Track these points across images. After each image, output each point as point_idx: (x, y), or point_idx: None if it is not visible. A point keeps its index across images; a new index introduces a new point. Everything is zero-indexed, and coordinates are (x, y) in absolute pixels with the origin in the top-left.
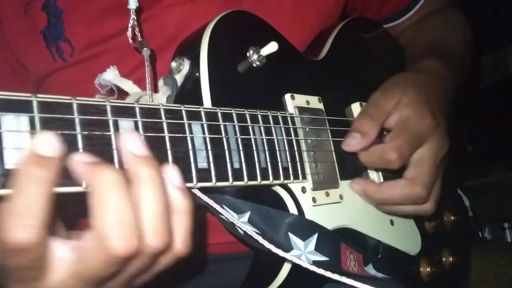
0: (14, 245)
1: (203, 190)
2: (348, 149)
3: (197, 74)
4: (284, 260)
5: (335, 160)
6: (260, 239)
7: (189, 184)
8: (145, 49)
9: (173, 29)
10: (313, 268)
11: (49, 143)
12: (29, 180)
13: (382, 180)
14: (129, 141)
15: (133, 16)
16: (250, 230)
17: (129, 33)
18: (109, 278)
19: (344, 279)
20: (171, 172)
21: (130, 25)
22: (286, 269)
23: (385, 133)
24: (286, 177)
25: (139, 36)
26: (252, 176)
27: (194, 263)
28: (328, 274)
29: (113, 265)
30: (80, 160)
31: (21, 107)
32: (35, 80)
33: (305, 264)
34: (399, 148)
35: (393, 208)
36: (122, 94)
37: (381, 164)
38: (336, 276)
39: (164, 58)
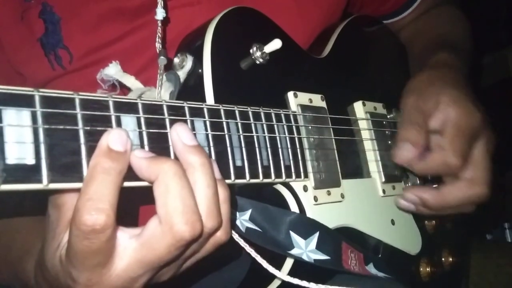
0: (88, 226)
1: None
2: (401, 161)
3: (200, 70)
4: (284, 259)
5: (337, 158)
6: (253, 253)
7: None
8: (161, 57)
9: (174, 33)
10: (304, 283)
11: (119, 139)
12: (102, 170)
13: (384, 179)
14: (181, 132)
15: (159, 27)
16: (238, 238)
17: (158, 45)
18: (171, 262)
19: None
20: (213, 164)
21: (158, 35)
22: (286, 269)
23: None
24: (288, 175)
25: (161, 45)
26: (254, 174)
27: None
28: (320, 287)
29: (178, 249)
30: (141, 156)
31: (23, 101)
32: (33, 88)
33: (295, 281)
34: (460, 151)
35: (449, 211)
36: (124, 89)
37: (441, 171)
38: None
39: None
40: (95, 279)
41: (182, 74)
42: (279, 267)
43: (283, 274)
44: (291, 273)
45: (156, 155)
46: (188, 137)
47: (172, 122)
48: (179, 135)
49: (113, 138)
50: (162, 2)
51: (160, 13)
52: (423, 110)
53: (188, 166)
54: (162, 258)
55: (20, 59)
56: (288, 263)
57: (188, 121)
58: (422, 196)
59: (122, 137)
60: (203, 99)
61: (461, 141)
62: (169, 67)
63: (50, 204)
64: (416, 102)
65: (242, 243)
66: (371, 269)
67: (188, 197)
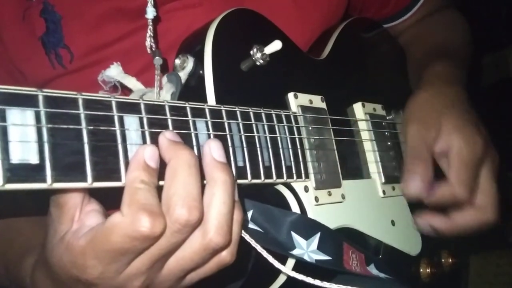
0: (143, 233)
1: None
2: (411, 195)
3: (201, 71)
4: (286, 259)
5: (337, 159)
6: (258, 247)
7: None
8: (157, 58)
9: (175, 35)
10: (309, 280)
11: (154, 157)
12: (140, 180)
13: (383, 180)
14: (214, 147)
15: (150, 26)
16: (250, 238)
17: (147, 43)
18: (172, 252)
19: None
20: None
21: (148, 35)
22: (288, 268)
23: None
24: (289, 176)
25: (154, 46)
26: (255, 175)
27: None
28: (325, 284)
29: (173, 235)
30: (168, 137)
31: (27, 101)
32: (33, 87)
33: (300, 277)
34: (466, 183)
35: (459, 234)
36: (126, 90)
37: (450, 203)
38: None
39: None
40: (109, 274)
41: (183, 75)
42: (278, 270)
43: (287, 269)
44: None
45: (181, 142)
46: (218, 153)
47: (174, 123)
48: (211, 149)
49: (148, 155)
50: (153, 1)
51: (150, 12)
52: (426, 140)
53: (211, 179)
54: (161, 245)
55: (21, 58)
56: (290, 263)
57: (190, 122)
58: (434, 225)
59: (155, 155)
60: (204, 100)
61: (466, 173)
62: (165, 67)
63: (52, 203)
64: (419, 132)
65: (247, 238)
66: (372, 269)
67: (192, 186)
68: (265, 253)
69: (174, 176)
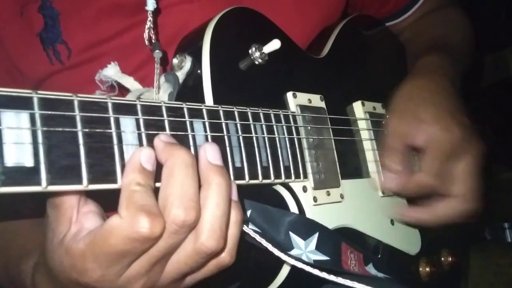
0: (142, 234)
1: None
2: (389, 192)
3: (199, 71)
4: (282, 262)
5: (336, 159)
6: (257, 237)
7: None
8: (156, 51)
9: (171, 31)
10: (308, 268)
11: (150, 159)
12: (136, 183)
13: (383, 179)
14: (209, 150)
15: (150, 18)
16: (248, 229)
17: (146, 35)
18: (170, 254)
19: (340, 280)
20: (232, 186)
21: (147, 26)
22: (286, 268)
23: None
24: (288, 176)
25: (154, 38)
26: (253, 175)
27: None
28: (324, 275)
29: (170, 236)
30: (163, 139)
31: (22, 103)
32: (32, 84)
33: (300, 265)
34: (437, 172)
35: (443, 224)
36: (123, 90)
37: (423, 192)
38: (331, 277)
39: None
40: (109, 277)
41: (181, 75)
42: (277, 269)
43: (288, 257)
44: (291, 273)
45: (177, 143)
46: (213, 155)
47: (171, 123)
48: (206, 152)
49: (144, 158)
50: None
51: (151, 4)
52: (406, 134)
53: (205, 182)
54: (159, 246)
55: (19, 54)
56: (287, 266)
57: (187, 122)
58: (418, 217)
59: (152, 157)
60: (202, 100)
61: (438, 162)
62: (165, 60)
63: (49, 205)
64: (398, 125)
65: (246, 229)
66: (371, 269)
67: (189, 186)
68: (264, 242)
69: (170, 176)
